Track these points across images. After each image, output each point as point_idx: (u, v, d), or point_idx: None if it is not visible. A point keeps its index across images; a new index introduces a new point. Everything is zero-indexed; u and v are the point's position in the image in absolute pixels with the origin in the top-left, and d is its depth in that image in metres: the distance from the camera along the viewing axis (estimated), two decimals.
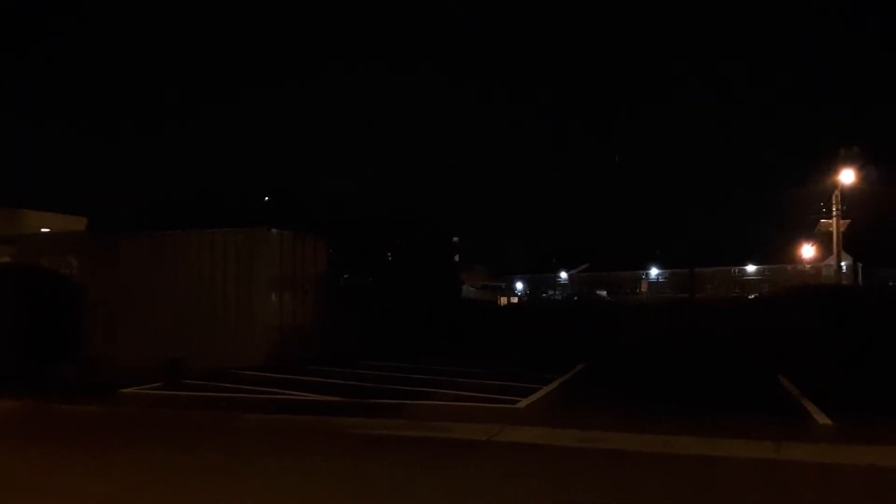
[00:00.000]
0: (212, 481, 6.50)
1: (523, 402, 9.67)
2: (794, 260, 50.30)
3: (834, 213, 32.27)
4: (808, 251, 45.25)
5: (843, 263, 33.86)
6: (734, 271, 61.39)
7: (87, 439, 8.59)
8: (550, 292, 70.79)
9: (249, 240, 14.60)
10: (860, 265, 38.88)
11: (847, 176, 31.53)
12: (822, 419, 8.54)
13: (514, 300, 59.04)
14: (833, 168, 32.03)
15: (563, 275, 72.87)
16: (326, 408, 9.67)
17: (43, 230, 24.19)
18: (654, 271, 66.93)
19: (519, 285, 73.58)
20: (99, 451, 7.82)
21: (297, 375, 12.07)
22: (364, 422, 8.88)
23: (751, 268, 60.46)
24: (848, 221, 32.68)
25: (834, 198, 32.22)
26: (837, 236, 32.39)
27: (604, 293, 62.21)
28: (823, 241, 38.53)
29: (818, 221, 34.89)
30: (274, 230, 15.01)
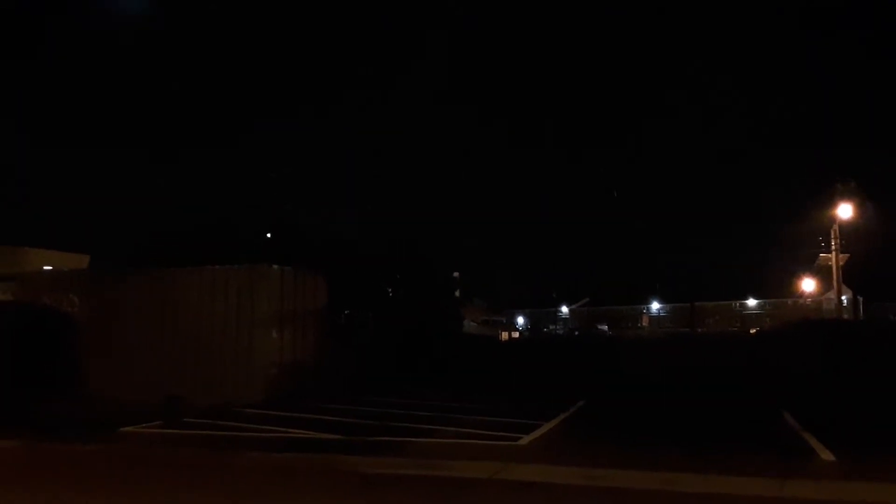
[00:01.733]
0: None
1: (525, 439, 9.63)
2: (795, 294, 50.27)
3: (833, 248, 32.43)
4: (808, 285, 45.28)
5: (843, 297, 33.86)
6: (735, 305, 61.19)
7: (86, 481, 8.49)
8: (552, 326, 70.48)
9: (250, 276, 14.65)
10: (860, 298, 38.84)
11: (845, 210, 31.75)
12: (826, 455, 8.53)
13: (516, 335, 58.76)
14: (831, 202, 32.28)
15: (565, 309, 72.64)
16: (328, 446, 9.62)
17: (45, 268, 24.23)
18: (655, 305, 66.75)
19: (520, 320, 73.31)
20: (97, 494, 7.73)
21: (298, 412, 12.02)
22: (366, 460, 8.81)
23: (752, 302, 60.26)
24: (847, 255, 32.80)
25: (833, 232, 32.40)
26: (837, 270, 32.49)
27: (605, 327, 61.92)
28: (823, 274, 38.63)
29: (818, 256, 35.02)
30: (275, 266, 15.07)
